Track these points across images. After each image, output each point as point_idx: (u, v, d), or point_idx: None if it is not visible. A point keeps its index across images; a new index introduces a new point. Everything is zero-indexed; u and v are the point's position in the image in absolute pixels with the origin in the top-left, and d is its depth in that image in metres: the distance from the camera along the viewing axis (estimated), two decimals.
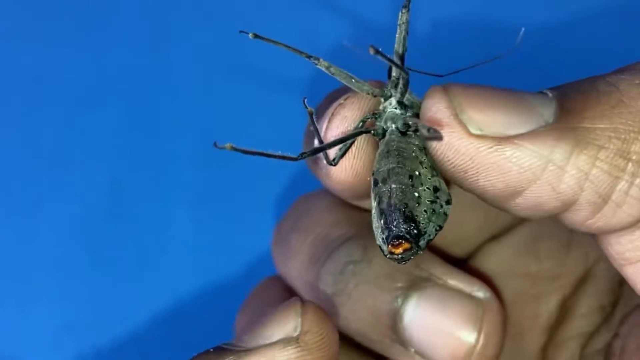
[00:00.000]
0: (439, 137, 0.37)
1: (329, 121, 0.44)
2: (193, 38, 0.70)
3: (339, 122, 0.43)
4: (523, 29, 0.46)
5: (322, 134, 0.45)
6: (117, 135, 0.67)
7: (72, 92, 0.68)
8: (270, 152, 0.40)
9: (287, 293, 0.55)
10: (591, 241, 0.52)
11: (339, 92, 0.47)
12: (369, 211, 0.49)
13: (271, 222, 0.61)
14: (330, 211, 0.51)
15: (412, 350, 0.48)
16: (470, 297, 0.47)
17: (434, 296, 0.47)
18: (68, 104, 0.68)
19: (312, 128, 0.43)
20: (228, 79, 0.69)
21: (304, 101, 0.43)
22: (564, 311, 0.52)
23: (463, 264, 0.54)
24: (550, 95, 0.41)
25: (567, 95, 0.40)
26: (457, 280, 0.48)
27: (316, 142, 0.46)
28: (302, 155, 0.41)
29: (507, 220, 0.54)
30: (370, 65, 0.45)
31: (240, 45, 0.66)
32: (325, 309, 0.48)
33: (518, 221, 0.54)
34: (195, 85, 0.69)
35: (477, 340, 0.46)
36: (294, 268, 0.52)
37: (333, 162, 0.43)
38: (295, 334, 0.42)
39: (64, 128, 0.67)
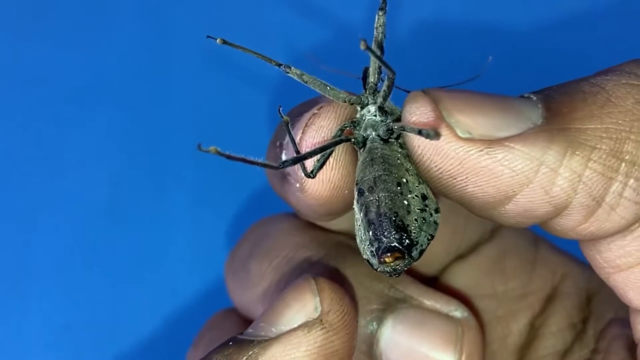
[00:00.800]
0: (435, 136, 0.35)
1: (303, 132, 0.41)
2: (193, 38, 0.70)
3: (314, 132, 0.41)
4: (490, 57, 0.45)
5: (296, 138, 0.42)
6: (117, 136, 0.67)
7: (72, 92, 0.68)
8: (253, 159, 0.37)
9: (245, 325, 0.51)
10: (556, 258, 0.51)
11: (306, 106, 0.44)
12: (335, 232, 0.46)
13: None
14: (293, 233, 0.49)
15: None
16: (448, 317, 0.45)
17: (410, 318, 0.45)
18: (68, 104, 0.67)
19: (288, 137, 0.40)
20: (228, 78, 0.68)
21: (279, 110, 0.40)
22: (533, 331, 0.50)
23: (432, 284, 0.51)
24: (534, 98, 0.39)
25: (552, 98, 0.39)
26: (433, 300, 0.46)
27: (284, 155, 0.44)
28: (283, 164, 0.38)
29: (472, 239, 0.52)
30: (332, 77, 0.44)
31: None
32: None
33: (483, 240, 0.52)
34: (195, 85, 0.69)
35: None
36: (256, 295, 0.48)
37: (311, 175, 0.40)
38: (316, 315, 0.39)
39: (64, 128, 0.67)
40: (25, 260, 0.63)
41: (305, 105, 0.44)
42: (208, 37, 0.40)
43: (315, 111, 0.42)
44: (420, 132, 0.36)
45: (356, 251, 0.46)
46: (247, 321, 0.51)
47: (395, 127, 0.39)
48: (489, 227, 0.52)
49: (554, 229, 0.40)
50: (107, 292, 0.62)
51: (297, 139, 0.41)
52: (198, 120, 0.67)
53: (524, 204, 0.38)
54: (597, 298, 0.50)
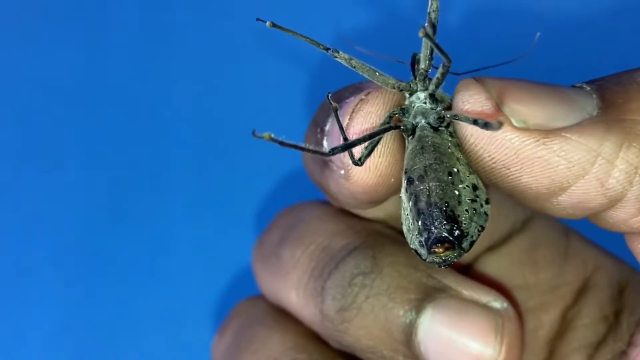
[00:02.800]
0: (494, 126, 0.34)
1: (351, 118, 0.40)
2: (193, 38, 0.69)
3: (363, 118, 0.40)
4: (538, 34, 0.44)
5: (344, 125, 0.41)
6: (117, 136, 0.66)
7: (72, 92, 0.67)
8: (304, 145, 0.36)
9: (273, 313, 0.51)
10: (588, 250, 0.50)
11: (347, 91, 0.43)
12: (371, 220, 0.46)
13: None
14: (329, 220, 0.48)
15: None
16: (487, 308, 0.45)
17: (450, 308, 0.44)
18: (68, 104, 0.67)
19: (336, 124, 0.40)
20: (228, 78, 0.67)
21: (328, 96, 0.40)
22: (565, 322, 0.50)
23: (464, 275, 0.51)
24: (587, 88, 0.39)
25: (606, 88, 0.38)
26: (471, 290, 0.45)
27: (325, 142, 0.43)
28: (333, 151, 0.37)
29: (503, 230, 0.52)
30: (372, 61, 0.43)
31: (240, 45, 0.67)
32: (330, 326, 0.44)
33: (514, 231, 0.52)
34: (195, 85, 0.68)
35: (498, 353, 0.44)
36: (290, 282, 0.48)
37: (359, 162, 0.40)
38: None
39: (64, 128, 0.66)
40: (25, 260, 0.63)
41: (346, 90, 0.43)
42: (258, 19, 0.39)
43: (363, 97, 0.41)
44: (475, 122, 0.36)
45: (393, 239, 0.45)
46: (274, 308, 0.50)
47: (448, 115, 0.38)
48: (521, 218, 0.52)
49: (605, 221, 0.39)
50: (107, 292, 0.62)
51: (343, 125, 0.41)
52: (198, 120, 0.66)
53: (579, 195, 0.38)
54: (629, 290, 0.50)
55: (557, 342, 0.50)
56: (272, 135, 0.34)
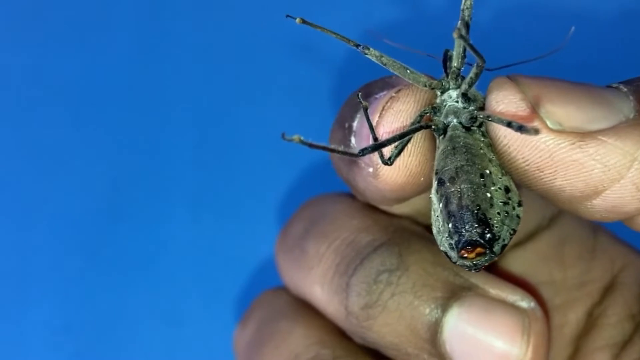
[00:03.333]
0: (530, 131, 0.34)
1: (381, 116, 0.39)
2: (193, 37, 0.68)
3: (393, 116, 0.40)
4: (573, 28, 0.43)
5: (373, 121, 0.41)
6: (117, 135, 0.65)
7: (72, 92, 0.66)
8: (333, 146, 0.36)
9: (296, 306, 0.50)
10: (616, 248, 0.50)
11: (375, 87, 0.43)
12: (397, 216, 0.45)
13: (272, 222, 0.60)
14: (354, 215, 0.47)
15: None
16: (514, 307, 0.44)
17: (477, 306, 0.44)
18: (68, 104, 0.66)
19: (366, 123, 0.39)
20: (228, 78, 0.67)
21: (358, 95, 0.39)
22: (591, 320, 0.49)
23: (490, 271, 0.50)
24: (624, 89, 0.38)
25: None
26: (498, 289, 0.45)
27: (353, 139, 0.43)
28: (363, 152, 0.37)
29: (530, 226, 0.51)
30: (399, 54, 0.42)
31: (240, 45, 0.66)
32: (355, 323, 0.44)
33: (542, 227, 0.51)
34: (195, 84, 0.67)
35: (525, 353, 0.43)
36: (314, 277, 0.47)
37: (389, 161, 0.39)
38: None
39: (64, 128, 0.65)
40: (24, 260, 0.62)
41: (376, 85, 0.43)
42: (287, 16, 0.39)
43: (394, 94, 0.40)
44: (509, 125, 0.35)
45: (419, 236, 0.45)
46: (297, 300, 0.50)
47: (481, 115, 0.38)
48: (548, 214, 0.51)
49: (639, 225, 0.39)
50: (107, 291, 0.62)
51: (373, 123, 0.40)
52: (198, 119, 0.66)
53: (613, 199, 0.37)
54: None
55: (582, 339, 0.49)
56: (302, 138, 0.33)
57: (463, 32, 0.34)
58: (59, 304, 0.61)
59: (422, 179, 0.40)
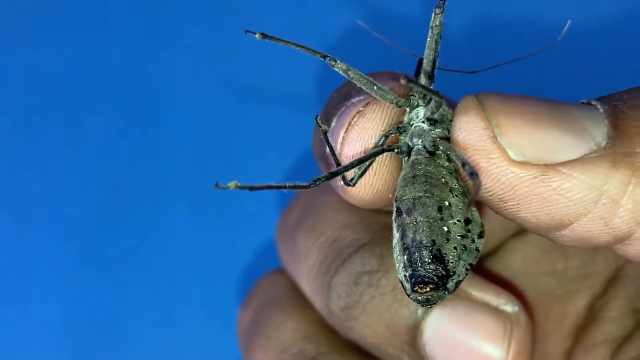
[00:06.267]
0: (477, 184, 0.32)
1: (347, 132, 0.38)
2: (192, 39, 0.67)
3: (358, 134, 0.38)
4: (569, 21, 0.40)
5: (336, 143, 0.39)
6: (116, 136, 0.65)
7: (72, 92, 0.66)
8: (278, 184, 0.35)
9: (290, 295, 0.51)
10: None
11: (350, 86, 0.41)
12: (385, 212, 0.44)
13: (271, 222, 0.58)
14: (341, 210, 0.46)
15: None
16: (497, 311, 0.43)
17: (458, 310, 0.43)
18: (67, 105, 0.65)
19: (326, 148, 0.38)
20: (228, 77, 0.66)
21: (316, 119, 0.38)
22: (592, 313, 0.48)
23: (488, 259, 0.49)
24: (601, 109, 0.35)
25: (620, 112, 0.35)
26: (482, 292, 0.43)
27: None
28: (315, 182, 0.36)
29: None
30: (386, 48, 0.42)
31: (240, 45, 0.64)
32: (337, 322, 0.44)
33: None
34: (194, 84, 0.66)
35: (506, 358, 0.42)
36: (302, 272, 0.48)
37: (351, 183, 0.38)
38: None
39: (64, 128, 0.65)
40: (24, 260, 0.62)
41: (347, 86, 0.41)
42: (247, 31, 0.37)
43: (361, 108, 0.39)
44: (463, 166, 0.33)
45: None
46: (293, 286, 0.50)
47: (441, 147, 0.36)
48: None
49: (616, 253, 0.37)
50: (107, 292, 0.61)
51: (339, 137, 0.39)
52: (197, 119, 0.65)
53: (581, 232, 0.35)
54: None
55: (582, 332, 0.48)
56: (238, 183, 0.33)
57: (410, 77, 0.32)
58: (58, 304, 0.61)
59: (390, 195, 0.39)
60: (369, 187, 0.39)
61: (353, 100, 0.40)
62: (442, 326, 0.43)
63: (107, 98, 0.65)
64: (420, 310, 0.43)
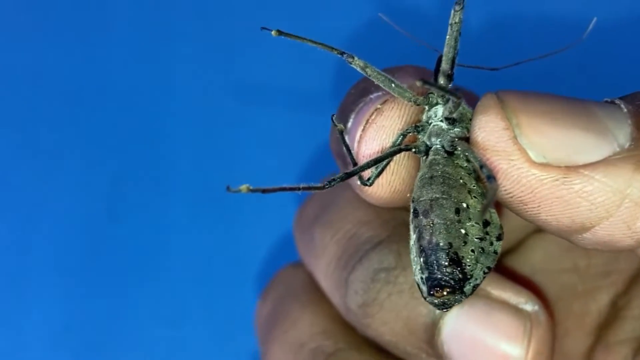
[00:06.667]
0: (494, 187, 0.31)
1: (364, 130, 0.37)
2: (193, 38, 0.67)
3: (375, 132, 0.37)
4: (595, 19, 0.39)
5: (353, 142, 0.39)
6: (116, 135, 0.64)
7: (72, 92, 0.65)
8: (291, 185, 0.34)
9: (308, 288, 0.50)
10: None
11: (368, 82, 0.40)
12: (402, 209, 0.44)
13: (271, 222, 0.60)
14: (358, 206, 0.46)
15: None
16: (517, 310, 0.42)
17: (476, 308, 0.42)
18: (67, 104, 0.65)
19: (343, 147, 0.37)
20: (228, 78, 0.65)
21: (332, 118, 0.37)
22: (614, 311, 0.47)
23: (509, 255, 0.49)
24: (624, 109, 0.34)
25: None
26: (501, 291, 0.43)
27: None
28: (329, 183, 0.35)
29: None
30: (408, 42, 0.41)
31: (240, 45, 0.65)
32: (354, 319, 0.43)
33: None
34: (194, 84, 0.65)
35: (525, 358, 0.42)
36: (319, 267, 0.47)
37: (368, 183, 0.37)
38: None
39: (63, 128, 0.65)
40: (24, 260, 0.62)
41: (365, 82, 0.40)
42: (262, 28, 0.36)
43: (379, 106, 0.38)
44: (481, 168, 0.33)
45: None
46: (311, 280, 0.50)
47: (459, 148, 0.35)
48: None
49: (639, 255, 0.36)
50: (107, 292, 0.61)
51: (356, 135, 0.38)
52: (197, 119, 0.64)
53: (603, 236, 0.34)
54: None
55: (604, 330, 0.47)
56: (250, 187, 0.32)
57: (429, 80, 0.31)
58: (59, 304, 0.61)
59: (408, 195, 0.39)
60: (387, 186, 0.38)
61: (371, 97, 0.39)
62: (460, 324, 0.42)
63: (108, 98, 0.65)
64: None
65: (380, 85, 0.37)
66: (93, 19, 0.67)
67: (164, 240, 0.62)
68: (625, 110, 0.35)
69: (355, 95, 0.40)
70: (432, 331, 0.43)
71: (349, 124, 0.40)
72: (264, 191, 0.32)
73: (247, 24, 0.63)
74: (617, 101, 0.35)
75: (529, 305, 0.42)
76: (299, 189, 0.34)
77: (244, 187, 0.32)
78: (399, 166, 0.38)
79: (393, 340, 0.44)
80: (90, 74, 0.65)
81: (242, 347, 0.58)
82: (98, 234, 0.62)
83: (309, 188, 0.35)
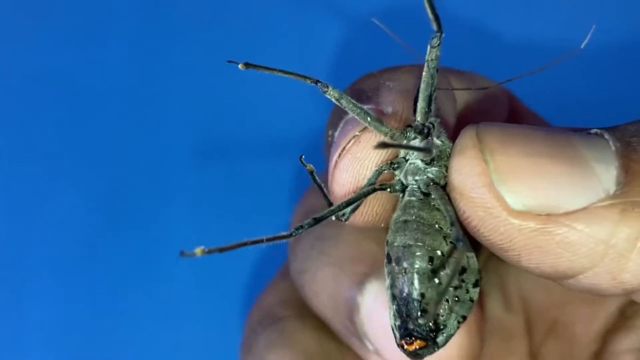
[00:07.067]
0: (460, 252, 0.30)
1: (340, 157, 0.36)
2: (193, 39, 0.66)
3: (349, 163, 0.36)
4: (594, 26, 0.36)
5: (331, 164, 0.37)
6: (116, 135, 0.64)
7: (72, 92, 0.65)
8: (253, 239, 0.33)
9: None
10: None
11: (361, 84, 0.38)
12: None
13: (270, 223, 0.58)
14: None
15: (370, 347, 0.41)
16: None
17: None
18: (67, 105, 0.65)
19: (316, 187, 0.36)
20: (228, 78, 0.63)
21: (300, 159, 0.35)
22: (622, 320, 0.45)
23: None
24: (612, 147, 0.32)
25: (633, 151, 0.32)
26: None
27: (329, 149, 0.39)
28: (297, 231, 0.34)
29: None
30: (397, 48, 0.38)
31: (240, 45, 0.63)
32: (296, 287, 0.43)
33: None
34: (194, 84, 0.65)
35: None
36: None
37: (342, 219, 0.36)
38: None
39: (63, 128, 0.64)
40: (24, 260, 0.62)
41: (363, 83, 0.39)
42: (229, 62, 0.35)
43: (357, 133, 0.36)
44: (452, 224, 0.31)
45: None
46: None
47: (433, 194, 0.33)
48: None
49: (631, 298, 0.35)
50: (107, 292, 0.61)
51: (332, 161, 0.36)
52: (197, 119, 0.63)
53: (588, 284, 0.33)
54: None
55: (609, 336, 0.46)
56: (204, 249, 0.31)
57: (387, 141, 0.29)
58: (59, 303, 0.61)
59: (382, 225, 0.37)
60: (360, 217, 0.37)
61: (349, 117, 0.37)
62: (378, 304, 0.40)
63: (107, 97, 0.64)
64: (360, 285, 0.40)
65: (356, 117, 0.35)
66: (92, 20, 0.66)
67: (163, 239, 0.62)
68: (613, 148, 0.32)
69: (340, 110, 0.38)
70: (352, 308, 0.40)
71: (336, 136, 0.39)
72: (221, 250, 0.31)
73: (246, 24, 0.64)
74: (607, 136, 0.33)
75: None
76: (262, 241, 0.33)
77: (198, 250, 0.30)
78: (374, 201, 0.36)
79: (322, 314, 0.43)
80: (90, 74, 0.65)
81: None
82: (97, 234, 0.62)
83: (275, 238, 0.34)
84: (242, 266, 0.61)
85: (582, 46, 0.37)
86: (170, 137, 0.63)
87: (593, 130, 0.34)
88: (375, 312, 0.40)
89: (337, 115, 0.39)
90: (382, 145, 0.29)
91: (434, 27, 0.33)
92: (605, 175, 0.31)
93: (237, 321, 0.58)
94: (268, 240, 0.33)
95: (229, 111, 0.64)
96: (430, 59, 0.33)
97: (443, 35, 0.33)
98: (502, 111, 0.45)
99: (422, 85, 0.34)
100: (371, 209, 0.37)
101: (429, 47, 0.33)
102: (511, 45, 0.60)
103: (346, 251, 0.42)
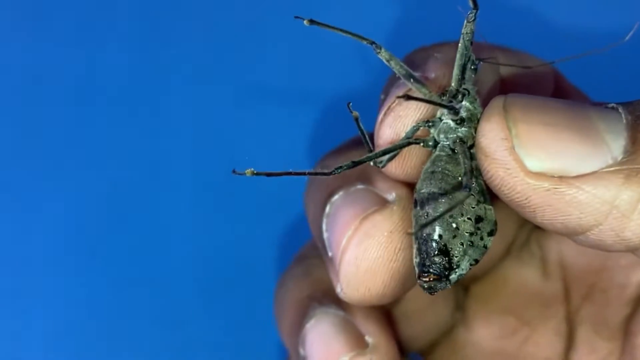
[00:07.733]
0: (462, 194, 0.35)
1: (385, 115, 0.41)
2: (193, 39, 0.67)
3: (392, 120, 0.41)
4: (638, 23, 0.39)
5: (378, 118, 0.42)
6: (116, 136, 0.65)
7: (72, 92, 0.66)
8: (297, 171, 0.38)
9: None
10: None
11: (415, 56, 0.43)
12: None
13: (270, 223, 0.61)
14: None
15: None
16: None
17: (327, 324, 0.46)
18: (67, 105, 0.66)
19: (359, 133, 0.40)
20: (227, 77, 0.66)
21: (348, 106, 0.40)
22: None
23: None
24: (624, 120, 0.36)
25: None
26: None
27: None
28: (336, 170, 0.39)
29: None
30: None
31: (240, 44, 0.65)
32: None
33: None
34: (194, 84, 0.66)
35: None
36: None
37: (380, 165, 0.41)
38: None
39: (63, 128, 0.65)
40: (24, 260, 0.62)
41: (417, 55, 0.43)
42: (296, 17, 0.39)
43: (401, 95, 0.41)
44: (464, 174, 0.36)
45: None
46: None
47: (457, 149, 0.38)
48: None
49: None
50: (107, 292, 0.61)
51: (378, 119, 0.41)
52: (198, 119, 0.64)
53: (595, 240, 0.37)
54: None
55: None
56: (254, 170, 0.37)
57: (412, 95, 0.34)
58: (59, 303, 0.61)
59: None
60: (399, 169, 0.41)
61: (400, 82, 0.42)
62: (315, 334, 0.46)
63: (107, 97, 0.65)
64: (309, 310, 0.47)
65: (402, 78, 0.40)
66: (92, 20, 0.67)
67: (163, 240, 0.63)
68: (624, 121, 0.36)
69: (393, 78, 0.43)
70: (299, 330, 0.47)
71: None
72: (268, 174, 0.36)
73: (245, 24, 0.66)
74: (620, 109, 0.37)
75: (371, 338, 0.47)
76: (305, 173, 0.38)
77: (248, 171, 0.36)
78: (410, 154, 0.41)
79: (284, 328, 0.50)
80: (90, 74, 0.65)
81: (242, 347, 0.60)
82: (97, 234, 0.62)
83: (316, 173, 0.39)
84: (242, 268, 0.62)
85: (627, 38, 0.40)
86: (170, 137, 0.64)
87: (610, 105, 0.37)
88: (313, 340, 0.46)
89: (391, 84, 0.44)
90: (411, 97, 0.34)
91: (470, 4, 0.37)
92: (614, 144, 0.35)
93: (237, 321, 0.60)
94: (310, 173, 0.38)
95: (229, 111, 0.65)
96: (465, 32, 0.38)
97: (478, 11, 0.37)
98: (547, 87, 0.48)
99: (457, 55, 0.39)
100: (409, 162, 0.41)
101: (465, 22, 0.38)
102: (563, 29, 0.62)
103: (305, 270, 0.50)
